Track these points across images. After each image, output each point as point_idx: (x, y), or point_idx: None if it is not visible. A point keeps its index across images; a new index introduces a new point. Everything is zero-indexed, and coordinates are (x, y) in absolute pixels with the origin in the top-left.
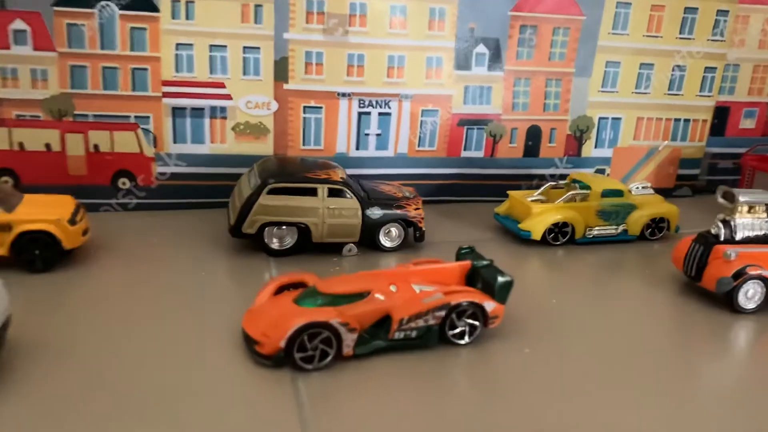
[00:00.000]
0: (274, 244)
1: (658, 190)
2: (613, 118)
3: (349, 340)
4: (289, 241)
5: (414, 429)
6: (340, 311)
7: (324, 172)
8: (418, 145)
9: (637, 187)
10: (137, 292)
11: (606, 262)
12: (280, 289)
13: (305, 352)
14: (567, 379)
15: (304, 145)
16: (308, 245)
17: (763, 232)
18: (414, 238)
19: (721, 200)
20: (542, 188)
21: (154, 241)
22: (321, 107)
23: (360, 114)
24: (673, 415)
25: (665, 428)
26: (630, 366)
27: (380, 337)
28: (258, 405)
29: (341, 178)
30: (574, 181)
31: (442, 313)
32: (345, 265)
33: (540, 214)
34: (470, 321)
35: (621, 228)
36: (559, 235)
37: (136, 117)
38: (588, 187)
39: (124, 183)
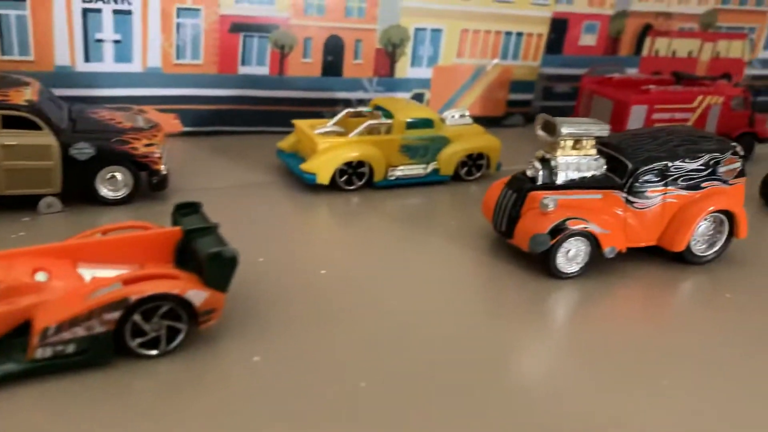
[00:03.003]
0: None
1: (487, 119)
2: (432, 30)
3: None
4: None
5: None
6: None
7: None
8: (177, 57)
9: (453, 116)
10: None
11: (410, 212)
12: None
13: None
14: (316, 397)
15: (3, 54)
16: None
17: (591, 173)
18: (150, 185)
19: (540, 133)
20: (337, 116)
21: None
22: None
23: (85, 11)
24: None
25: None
26: (424, 363)
27: (12, 357)
28: None
29: (26, 101)
30: (378, 107)
31: (116, 315)
32: (42, 228)
33: (328, 151)
34: (168, 322)
35: (431, 167)
36: (354, 177)
37: None
38: (391, 116)
39: None
